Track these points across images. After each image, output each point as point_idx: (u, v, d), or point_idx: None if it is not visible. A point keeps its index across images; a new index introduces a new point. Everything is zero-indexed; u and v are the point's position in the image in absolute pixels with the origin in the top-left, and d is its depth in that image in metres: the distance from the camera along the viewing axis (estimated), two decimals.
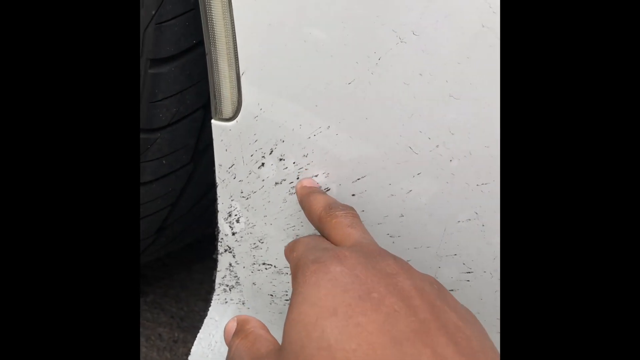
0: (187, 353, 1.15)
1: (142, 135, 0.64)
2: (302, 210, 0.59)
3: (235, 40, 0.53)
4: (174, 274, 1.33)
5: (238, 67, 0.55)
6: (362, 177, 0.53)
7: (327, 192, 0.56)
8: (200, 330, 0.77)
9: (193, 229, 0.86)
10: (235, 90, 0.56)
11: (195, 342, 0.77)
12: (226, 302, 0.73)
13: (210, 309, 0.75)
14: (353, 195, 0.55)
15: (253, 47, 0.53)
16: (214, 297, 0.74)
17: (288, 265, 0.65)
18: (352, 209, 0.48)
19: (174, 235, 0.84)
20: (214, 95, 0.58)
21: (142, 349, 1.14)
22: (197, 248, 1.36)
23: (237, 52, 0.54)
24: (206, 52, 0.57)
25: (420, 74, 0.46)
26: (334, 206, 0.48)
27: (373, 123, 0.50)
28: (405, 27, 0.45)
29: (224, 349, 0.75)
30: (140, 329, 1.18)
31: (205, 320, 0.76)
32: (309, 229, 0.59)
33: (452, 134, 0.47)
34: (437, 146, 0.48)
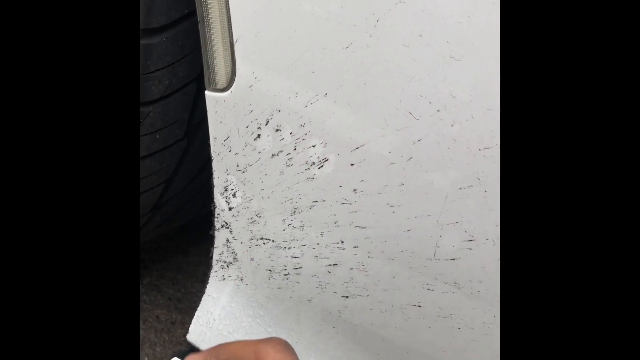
0: (186, 334, 1.14)
1: None
2: (300, 183, 0.58)
3: (228, 6, 0.51)
4: (171, 257, 1.32)
5: (231, 34, 0.53)
6: (361, 146, 0.52)
7: (325, 162, 0.55)
8: (198, 308, 0.76)
9: (189, 207, 0.85)
10: (229, 59, 0.55)
11: (194, 320, 0.77)
12: (224, 279, 0.72)
13: (207, 286, 0.74)
14: (352, 164, 0.54)
15: (246, 14, 0.52)
16: (212, 274, 0.73)
17: (286, 239, 0.64)
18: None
19: (170, 214, 0.82)
20: (207, 65, 0.57)
21: (140, 331, 1.13)
22: (193, 230, 1.35)
23: (230, 19, 0.53)
24: (198, 19, 0.55)
25: (420, 35, 0.45)
26: None
27: (372, 88, 0.49)
28: None
29: (222, 327, 0.74)
30: None
31: (203, 298, 0.76)
32: (307, 201, 0.58)
33: (454, 97, 0.45)
34: (438, 110, 0.47)
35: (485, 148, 0.47)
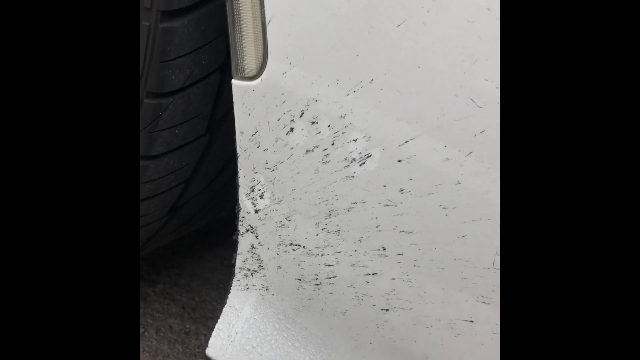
0: (200, 345, 1.08)
1: (152, 101, 0.56)
2: (337, 182, 0.52)
3: None
4: (185, 263, 1.26)
5: (264, 14, 0.47)
6: (412, 139, 0.46)
7: (368, 159, 0.49)
8: (219, 320, 0.70)
9: (208, 210, 0.79)
10: (260, 42, 0.49)
11: (214, 334, 0.71)
12: (247, 289, 0.66)
13: (229, 296, 0.68)
14: (399, 161, 0.47)
15: None
16: (234, 282, 0.67)
17: (319, 245, 0.58)
18: None
19: (188, 217, 0.77)
20: (235, 50, 0.51)
21: (152, 342, 1.07)
22: (209, 234, 1.30)
23: None
24: None
25: (488, 9, 0.38)
26: None
27: (427, 72, 0.42)
28: None
29: (245, 341, 0.68)
30: (150, 321, 1.12)
31: (224, 309, 0.70)
32: (345, 203, 0.52)
33: None
34: None
35: None
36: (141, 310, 1.12)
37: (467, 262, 0.49)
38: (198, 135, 0.63)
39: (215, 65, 0.58)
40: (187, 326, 1.13)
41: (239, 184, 0.58)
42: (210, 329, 0.77)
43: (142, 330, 1.09)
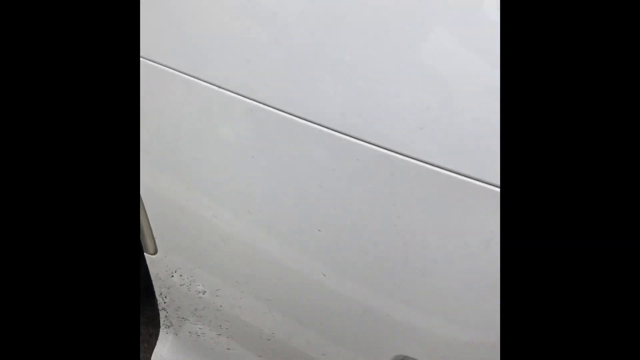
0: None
1: None
2: (194, 298, 1.12)
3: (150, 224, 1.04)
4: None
5: (156, 245, 1.06)
6: (219, 289, 1.06)
7: (205, 292, 1.09)
8: (156, 345, 1.32)
9: None
10: (153, 242, 1.08)
11: (155, 350, 1.33)
12: (167, 333, 1.28)
13: (160, 332, 1.30)
14: (221, 307, 1.07)
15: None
16: (161, 330, 1.29)
17: (196, 314, 1.18)
18: None
19: None
20: (145, 244, 1.10)
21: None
22: None
23: (152, 228, 1.05)
24: None
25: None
26: None
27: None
28: None
29: (169, 356, 1.30)
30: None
31: (159, 340, 1.32)
32: (201, 306, 1.13)
33: None
34: None
35: None
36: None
37: None
38: None
39: None
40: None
41: (155, 290, 1.19)
42: None
43: None
